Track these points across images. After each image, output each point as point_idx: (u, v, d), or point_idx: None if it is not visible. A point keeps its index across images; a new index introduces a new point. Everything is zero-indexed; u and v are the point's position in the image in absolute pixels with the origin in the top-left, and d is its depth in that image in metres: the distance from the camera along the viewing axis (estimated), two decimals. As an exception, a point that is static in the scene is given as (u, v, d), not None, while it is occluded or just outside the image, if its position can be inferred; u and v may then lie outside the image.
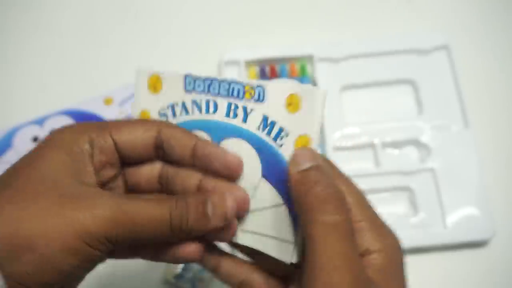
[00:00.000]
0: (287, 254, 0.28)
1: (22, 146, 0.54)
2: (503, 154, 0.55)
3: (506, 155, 0.55)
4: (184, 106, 0.32)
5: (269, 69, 0.56)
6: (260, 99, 0.29)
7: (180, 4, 0.63)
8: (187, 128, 0.31)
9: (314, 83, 0.56)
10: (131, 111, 0.34)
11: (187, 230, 0.27)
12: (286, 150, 0.29)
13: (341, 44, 0.57)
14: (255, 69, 0.57)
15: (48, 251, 0.24)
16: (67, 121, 0.54)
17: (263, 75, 0.56)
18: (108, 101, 0.56)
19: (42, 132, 0.54)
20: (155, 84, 0.32)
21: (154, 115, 0.33)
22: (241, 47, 0.57)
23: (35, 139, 0.54)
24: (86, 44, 0.61)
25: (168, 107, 0.32)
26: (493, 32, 0.61)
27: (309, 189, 0.26)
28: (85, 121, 0.33)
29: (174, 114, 0.32)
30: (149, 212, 0.27)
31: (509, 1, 0.62)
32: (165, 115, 0.32)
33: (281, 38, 0.60)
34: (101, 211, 0.25)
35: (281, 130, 0.29)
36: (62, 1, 0.63)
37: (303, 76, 0.56)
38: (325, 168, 0.27)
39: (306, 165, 0.26)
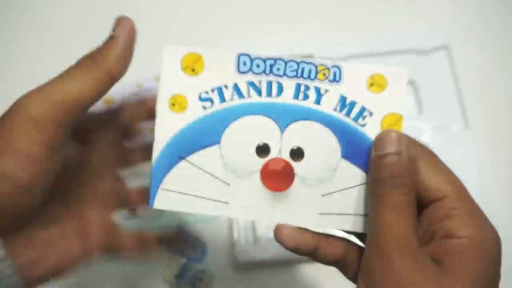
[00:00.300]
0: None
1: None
2: (503, 154, 0.55)
3: (506, 155, 0.55)
4: (236, 88, 0.29)
5: (269, 69, 0.56)
6: (336, 79, 0.29)
7: (180, 4, 0.63)
8: (243, 113, 0.29)
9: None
10: (158, 97, 0.30)
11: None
12: (370, 129, 0.29)
13: (341, 44, 0.57)
14: (255, 69, 0.56)
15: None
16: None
17: (263, 75, 0.56)
18: (108, 102, 0.56)
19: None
20: (193, 64, 0.29)
21: (192, 100, 0.29)
22: (241, 47, 0.57)
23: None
24: (86, 44, 0.61)
25: (213, 91, 0.29)
26: (493, 32, 0.61)
27: (380, 174, 0.27)
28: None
29: (222, 99, 0.29)
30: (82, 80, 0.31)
31: (509, 1, 0.62)
32: (209, 99, 0.29)
33: (281, 38, 0.60)
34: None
35: (363, 109, 0.29)
36: (62, 1, 0.63)
37: (303, 76, 0.56)
38: (405, 155, 0.27)
39: (386, 150, 0.27)
